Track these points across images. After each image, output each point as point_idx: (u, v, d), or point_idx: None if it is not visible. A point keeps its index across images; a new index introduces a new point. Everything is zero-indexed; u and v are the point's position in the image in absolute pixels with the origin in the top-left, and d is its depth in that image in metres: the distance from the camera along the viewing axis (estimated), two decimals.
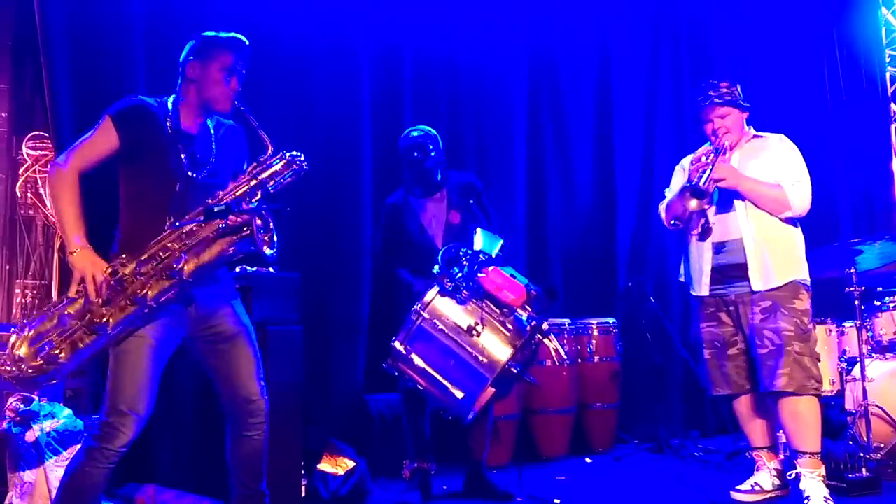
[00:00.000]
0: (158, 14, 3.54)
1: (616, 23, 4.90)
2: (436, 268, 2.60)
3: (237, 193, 2.12)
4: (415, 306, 2.56)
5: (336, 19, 3.96)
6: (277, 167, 2.17)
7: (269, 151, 2.17)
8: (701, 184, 2.80)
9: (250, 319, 2.86)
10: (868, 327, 3.71)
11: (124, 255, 2.07)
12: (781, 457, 3.05)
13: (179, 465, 3.10)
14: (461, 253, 2.64)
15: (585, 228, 4.74)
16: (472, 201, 3.10)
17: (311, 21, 3.90)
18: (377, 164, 3.96)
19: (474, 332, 2.47)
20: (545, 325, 2.55)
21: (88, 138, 2.16)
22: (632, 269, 4.72)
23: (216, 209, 2.07)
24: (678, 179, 3.09)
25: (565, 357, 2.70)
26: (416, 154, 3.11)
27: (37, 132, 3.26)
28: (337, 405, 3.68)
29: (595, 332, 4.19)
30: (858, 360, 3.42)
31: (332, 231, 3.85)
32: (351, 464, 3.12)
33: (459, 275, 2.56)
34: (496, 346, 2.48)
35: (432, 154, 3.13)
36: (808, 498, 2.70)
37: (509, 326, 2.51)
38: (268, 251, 2.12)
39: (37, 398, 2.74)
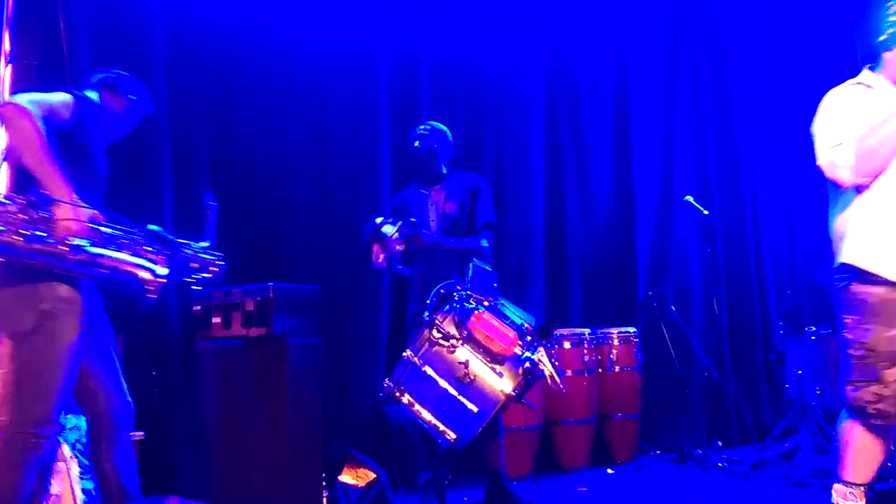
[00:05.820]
0: (180, 31, 3.62)
1: (634, 31, 4.89)
2: (426, 314, 2.60)
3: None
4: (405, 352, 2.56)
5: (354, 28, 4.00)
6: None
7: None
8: None
9: (272, 332, 2.92)
10: None
11: None
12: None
13: (202, 476, 3.12)
14: (454, 293, 2.62)
15: (605, 237, 4.71)
16: (468, 199, 3.14)
17: (329, 31, 3.95)
18: (396, 174, 3.98)
19: (465, 380, 2.47)
20: (541, 364, 2.51)
21: (49, 98, 2.15)
22: (652, 278, 4.68)
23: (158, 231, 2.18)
24: (857, 106, 2.30)
25: (560, 384, 2.67)
26: (416, 143, 3.25)
27: None
28: (357, 417, 3.68)
29: (616, 342, 4.17)
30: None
31: (352, 241, 3.86)
32: (372, 475, 3.13)
33: (449, 322, 2.54)
34: (488, 393, 2.47)
35: (433, 146, 3.23)
36: None
37: (502, 371, 2.50)
38: (158, 271, 2.11)
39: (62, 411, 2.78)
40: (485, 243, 3.14)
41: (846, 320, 2.27)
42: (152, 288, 2.08)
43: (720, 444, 4.33)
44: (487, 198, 3.26)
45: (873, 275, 2.22)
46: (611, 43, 4.83)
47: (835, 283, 2.31)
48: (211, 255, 2.36)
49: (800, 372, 3.78)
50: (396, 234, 2.84)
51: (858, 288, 2.23)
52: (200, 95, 3.68)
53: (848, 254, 2.27)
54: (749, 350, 4.81)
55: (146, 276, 2.08)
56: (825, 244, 5.41)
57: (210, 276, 2.34)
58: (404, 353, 2.56)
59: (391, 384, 2.53)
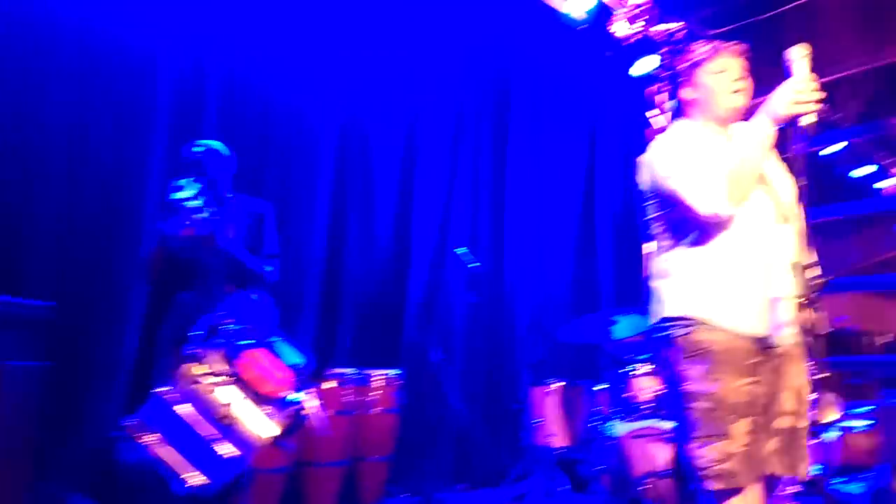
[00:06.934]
0: None
1: (426, 87, 5.15)
2: (189, 346, 2.43)
3: None
4: (157, 388, 2.38)
5: (134, 21, 3.69)
6: None
7: None
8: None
9: None
10: (618, 390, 4.15)
11: None
12: None
13: None
14: (225, 326, 2.50)
15: (380, 280, 4.81)
16: (253, 226, 3.01)
17: (102, 17, 3.61)
18: (167, 189, 3.71)
19: (226, 421, 2.34)
20: (307, 408, 2.48)
21: None
22: (420, 323, 4.86)
23: None
24: (696, 141, 2.10)
25: (325, 428, 2.66)
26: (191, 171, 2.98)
27: None
28: (84, 455, 3.29)
29: (377, 384, 4.20)
30: (606, 420, 3.82)
31: (103, 257, 3.52)
32: None
33: (215, 358, 2.41)
34: (251, 437, 2.35)
35: (211, 175, 2.96)
36: None
37: (268, 414, 2.41)
38: None
39: None
40: (269, 269, 3.01)
41: (687, 372, 2.01)
42: None
43: (465, 486, 4.56)
44: (273, 226, 3.09)
45: (714, 323, 2.02)
46: (403, 96, 5.03)
47: (662, 334, 2.08)
48: None
49: (537, 421, 4.15)
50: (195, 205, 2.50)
51: (700, 336, 2.01)
52: None
53: (683, 305, 2.06)
54: (499, 397, 5.16)
55: None
56: (568, 303, 5.99)
57: None
58: (158, 389, 2.36)
59: (137, 422, 2.31)
